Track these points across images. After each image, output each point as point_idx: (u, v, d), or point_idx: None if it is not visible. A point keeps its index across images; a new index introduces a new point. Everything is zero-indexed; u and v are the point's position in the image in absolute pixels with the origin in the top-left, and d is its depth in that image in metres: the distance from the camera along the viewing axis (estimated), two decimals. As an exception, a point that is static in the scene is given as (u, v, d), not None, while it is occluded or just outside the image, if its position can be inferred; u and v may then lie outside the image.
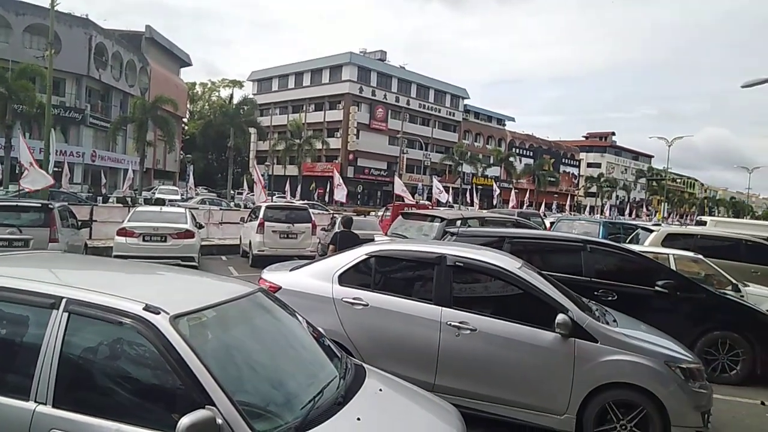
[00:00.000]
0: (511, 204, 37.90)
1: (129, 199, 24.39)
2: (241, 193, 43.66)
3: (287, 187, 37.21)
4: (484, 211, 31.03)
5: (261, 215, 14.26)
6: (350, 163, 59.35)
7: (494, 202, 48.48)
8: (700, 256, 9.49)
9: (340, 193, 23.96)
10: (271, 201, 24.06)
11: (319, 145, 52.29)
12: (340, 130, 60.27)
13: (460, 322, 4.62)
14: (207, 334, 2.78)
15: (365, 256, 5.13)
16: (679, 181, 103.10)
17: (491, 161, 65.71)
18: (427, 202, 35.56)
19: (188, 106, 68.85)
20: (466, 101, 73.81)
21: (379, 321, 4.82)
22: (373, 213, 29.50)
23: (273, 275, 5.41)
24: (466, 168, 62.10)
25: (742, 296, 8.35)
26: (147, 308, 2.49)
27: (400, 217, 11.50)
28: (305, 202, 30.20)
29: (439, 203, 33.86)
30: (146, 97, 42.22)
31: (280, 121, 64.34)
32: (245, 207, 26.77)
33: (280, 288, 5.10)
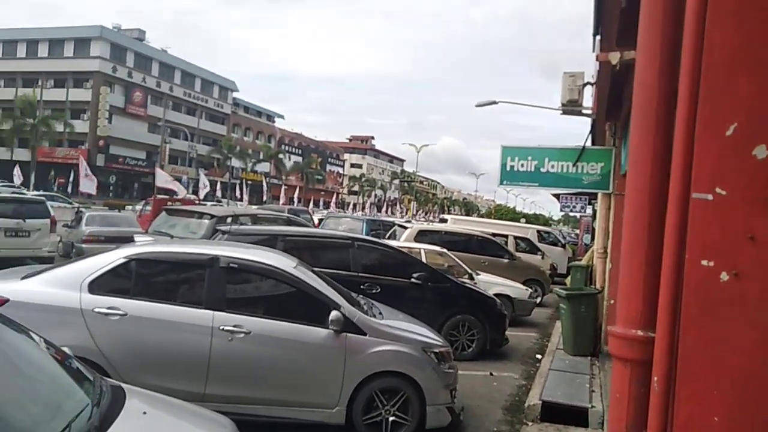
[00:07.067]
0: (281, 201, 38.15)
1: None
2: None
3: (17, 173, 30.92)
4: (254, 207, 30.64)
5: (-23, 209, 11.60)
6: (101, 150, 52.38)
7: (264, 198, 48.17)
8: (445, 250, 10.92)
9: (88, 184, 20.93)
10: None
11: (60, 128, 44.87)
12: (88, 112, 52.71)
13: (233, 326, 4.43)
14: None
15: (124, 260, 4.53)
16: (425, 182, 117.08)
17: (261, 157, 65.19)
18: (193, 196, 33.48)
19: None
20: (235, 94, 71.72)
21: (140, 332, 4.32)
22: (130, 207, 26.63)
23: (-3, 285, 4.41)
24: (236, 162, 60.44)
25: (475, 283, 9.85)
26: None
27: (163, 213, 10.54)
28: (42, 193, 25.68)
29: (205, 198, 32.21)
30: None
31: (5, 95, 53.23)
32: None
33: (7, 301, 4.18)
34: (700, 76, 1.57)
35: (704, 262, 1.53)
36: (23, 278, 4.52)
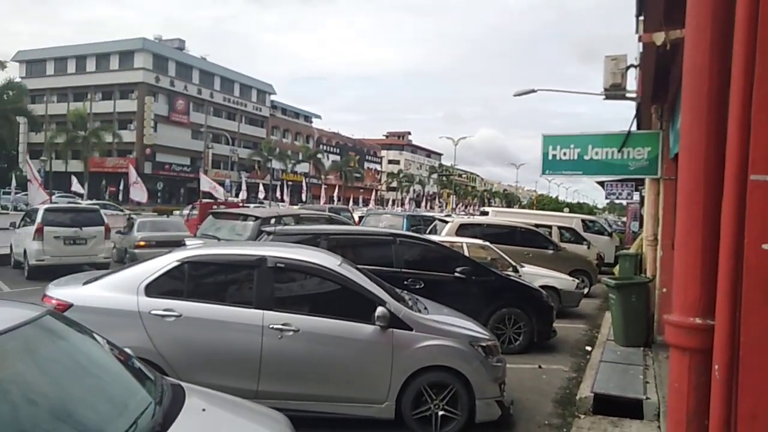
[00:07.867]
0: (321, 200, 38.61)
1: None
2: (8, 193, 36.80)
3: (75, 183, 32.39)
4: (296, 207, 31.14)
5: (39, 218, 12.26)
6: (147, 158, 54.30)
7: (304, 198, 48.86)
8: (488, 243, 10.80)
9: (138, 192, 21.72)
10: (51, 201, 20.72)
11: (109, 138, 46.72)
12: (134, 122, 54.69)
13: (282, 324, 4.53)
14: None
15: (177, 263, 4.70)
16: (463, 176, 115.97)
17: (300, 157, 66.12)
18: (235, 199, 34.32)
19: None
20: (272, 97, 72.92)
21: (195, 332, 4.47)
22: (177, 212, 27.51)
23: (61, 291, 4.66)
24: (276, 164, 61.51)
25: (520, 276, 9.71)
26: None
27: (210, 216, 10.86)
28: (95, 202, 26.86)
29: (248, 200, 32.97)
30: None
31: (58, 109, 55.79)
32: (16, 209, 22.73)
33: (71, 305, 4.41)
34: (756, 53, 1.51)
35: (765, 246, 1.48)
36: (84, 284, 4.75)
